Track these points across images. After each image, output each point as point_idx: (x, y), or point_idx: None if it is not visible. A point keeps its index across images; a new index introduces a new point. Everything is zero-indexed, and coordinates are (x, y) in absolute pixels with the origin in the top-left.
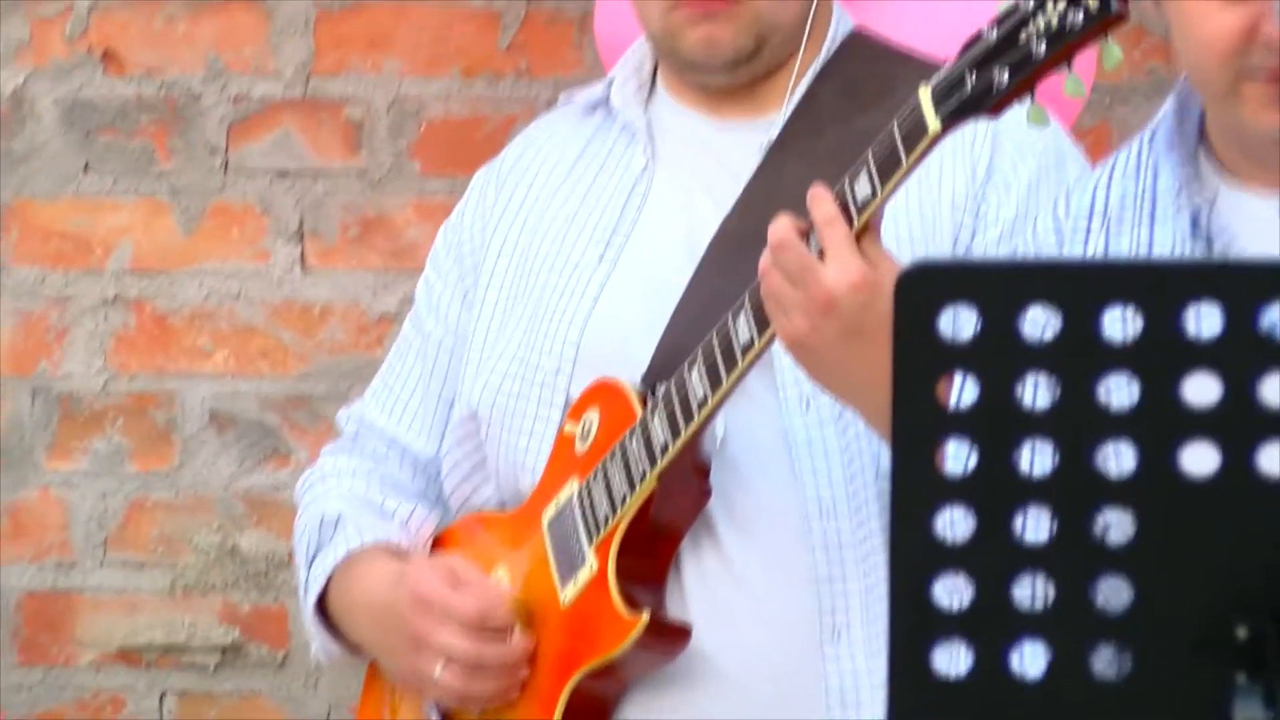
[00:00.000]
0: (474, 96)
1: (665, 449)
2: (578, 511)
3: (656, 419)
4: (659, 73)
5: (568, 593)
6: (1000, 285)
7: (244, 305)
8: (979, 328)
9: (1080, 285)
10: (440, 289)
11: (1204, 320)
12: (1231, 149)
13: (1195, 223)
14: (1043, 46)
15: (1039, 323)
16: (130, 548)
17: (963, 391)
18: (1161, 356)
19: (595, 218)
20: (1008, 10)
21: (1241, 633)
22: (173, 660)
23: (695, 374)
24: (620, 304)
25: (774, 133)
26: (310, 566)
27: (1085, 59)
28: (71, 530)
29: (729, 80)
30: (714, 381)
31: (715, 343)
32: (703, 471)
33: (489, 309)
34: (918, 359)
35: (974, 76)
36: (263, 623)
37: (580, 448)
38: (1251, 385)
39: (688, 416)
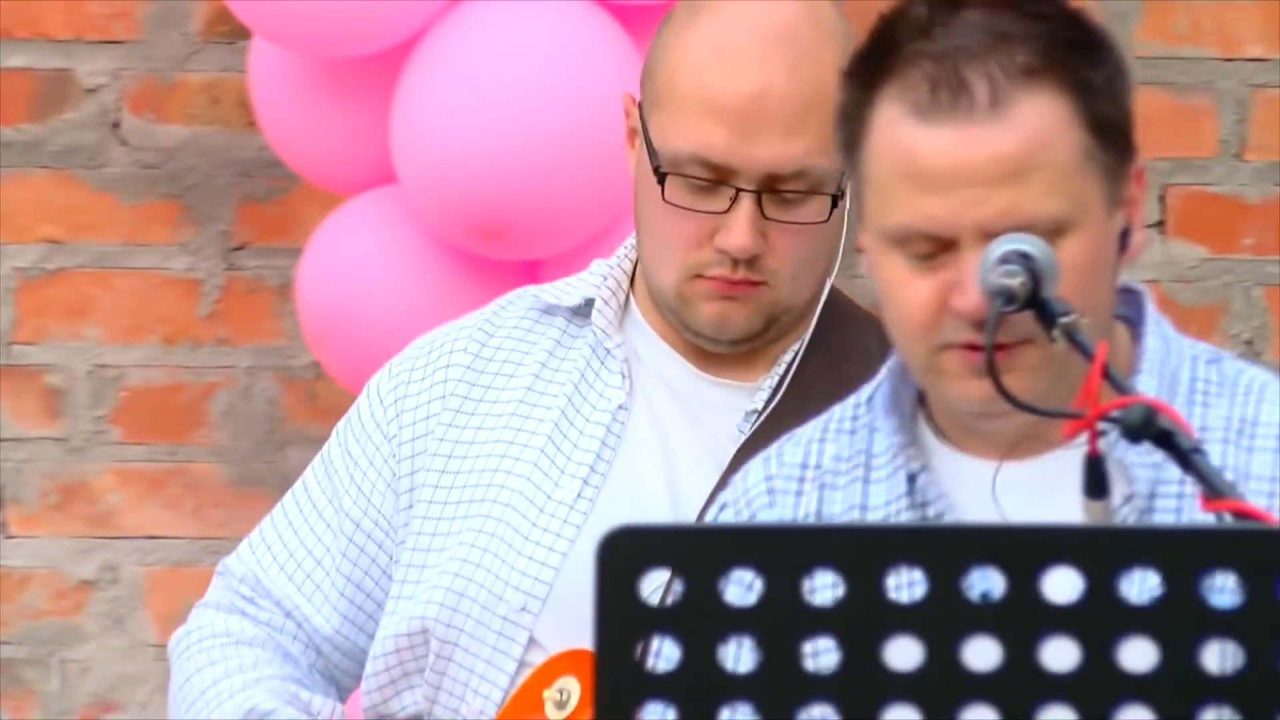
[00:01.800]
0: (174, 364)
1: None
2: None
3: None
4: (636, 300)
5: None
6: (700, 549)
7: None
8: (680, 591)
9: (782, 550)
10: (367, 468)
11: (911, 585)
12: (945, 415)
13: (911, 485)
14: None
15: (745, 585)
16: None
17: (661, 654)
18: (864, 620)
19: (570, 447)
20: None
21: None
22: None
23: None
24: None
25: (759, 400)
26: None
27: None
28: None
29: (728, 350)
30: None
31: None
32: None
33: (440, 515)
34: (619, 620)
35: None
36: None
37: (555, 716)
38: (953, 648)
39: None
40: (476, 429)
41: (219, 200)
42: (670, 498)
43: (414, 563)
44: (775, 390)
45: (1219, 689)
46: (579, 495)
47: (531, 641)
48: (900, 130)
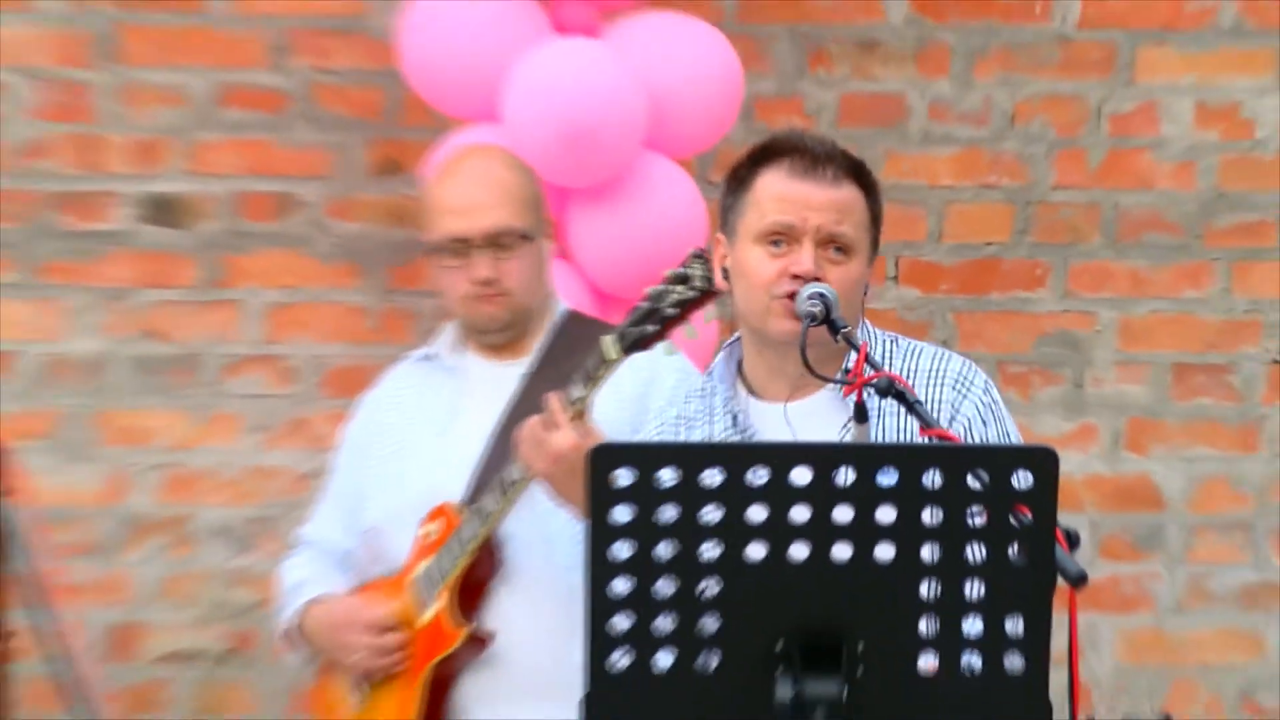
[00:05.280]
0: (356, 355)
1: (473, 538)
2: (428, 574)
3: (469, 521)
4: (463, 337)
5: (424, 618)
6: (644, 456)
7: None
8: (632, 480)
9: (687, 457)
10: (342, 458)
11: (752, 474)
12: (760, 371)
13: (734, 421)
14: (673, 311)
15: (669, 477)
16: None
17: (619, 514)
18: (731, 494)
19: (431, 415)
20: (654, 290)
21: (779, 646)
22: None
23: (489, 497)
24: (449, 465)
25: (524, 369)
26: (285, 614)
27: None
28: None
29: (499, 338)
30: (498, 500)
31: (500, 479)
32: (496, 551)
33: (377, 467)
34: (598, 496)
35: (637, 328)
36: None
37: (428, 541)
38: (744, 512)
39: (485, 520)
40: (391, 420)
41: (380, 265)
42: (482, 433)
43: (369, 495)
44: (533, 363)
45: (931, 534)
46: (436, 437)
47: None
48: (778, 181)
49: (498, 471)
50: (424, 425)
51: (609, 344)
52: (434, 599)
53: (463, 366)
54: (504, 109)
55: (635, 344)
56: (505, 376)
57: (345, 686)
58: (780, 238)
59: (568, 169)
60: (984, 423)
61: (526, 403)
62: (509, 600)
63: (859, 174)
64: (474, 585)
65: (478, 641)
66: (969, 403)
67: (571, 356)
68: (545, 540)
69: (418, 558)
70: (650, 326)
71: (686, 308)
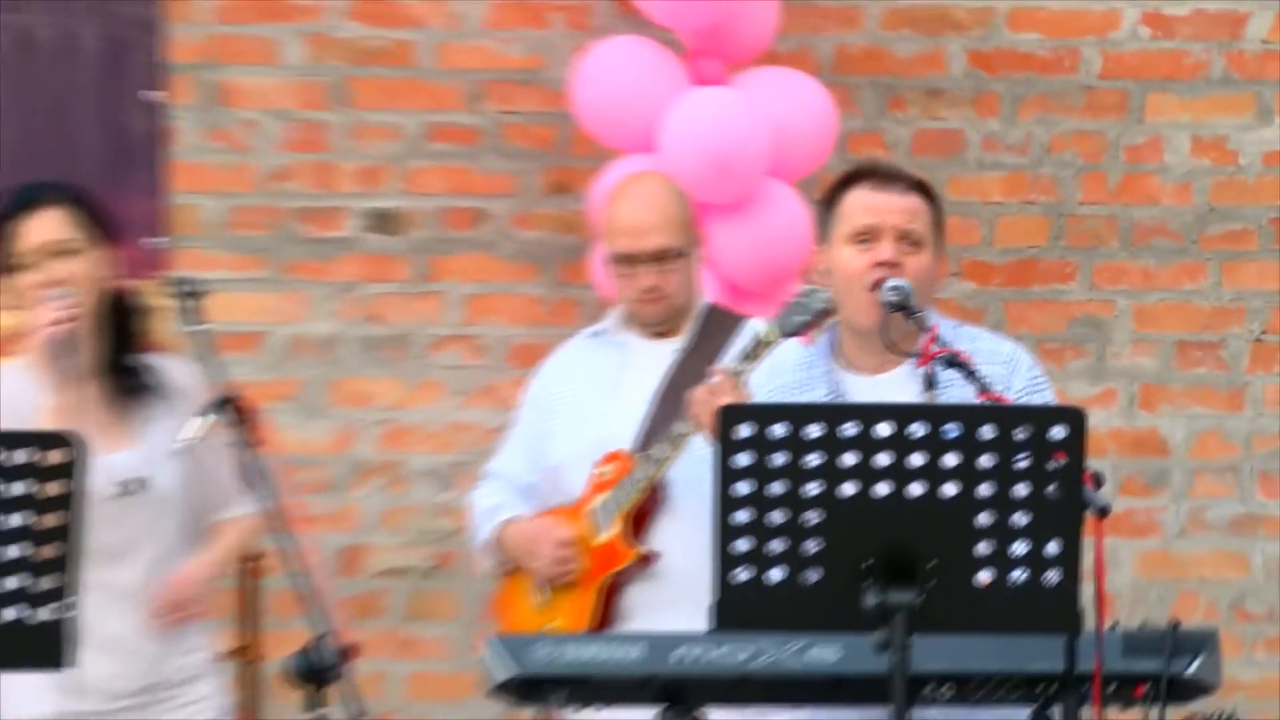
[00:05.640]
0: (533, 336)
1: (645, 478)
2: (605, 505)
3: (641, 465)
4: (626, 321)
5: (600, 540)
6: (761, 414)
7: None
8: (751, 432)
9: (795, 414)
10: (528, 411)
11: (844, 428)
12: (853, 349)
13: (832, 390)
14: (820, 306)
15: (780, 430)
16: None
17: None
18: (828, 444)
19: (601, 379)
20: (804, 290)
21: (866, 564)
22: None
23: (659, 446)
24: (617, 419)
25: (679, 347)
26: (485, 529)
27: None
28: None
29: (658, 328)
30: (667, 449)
31: (669, 432)
32: (661, 489)
33: (558, 419)
34: (725, 445)
35: (792, 318)
36: None
37: (603, 479)
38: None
39: (656, 465)
40: (569, 383)
41: (554, 264)
42: (649, 395)
43: (554, 442)
44: (686, 344)
45: (986, 475)
46: (606, 398)
47: (600, 461)
48: (862, 195)
49: (662, 427)
50: (596, 387)
51: (768, 329)
52: (609, 525)
53: (627, 343)
54: (661, 142)
55: (790, 331)
56: (662, 353)
57: (529, 590)
58: (865, 237)
59: (711, 190)
60: (1029, 392)
61: (680, 374)
62: (669, 528)
63: (923, 189)
64: (641, 515)
65: (645, 560)
66: (1019, 377)
67: (714, 338)
68: (700, 481)
69: (593, 492)
70: (800, 318)
71: (829, 307)
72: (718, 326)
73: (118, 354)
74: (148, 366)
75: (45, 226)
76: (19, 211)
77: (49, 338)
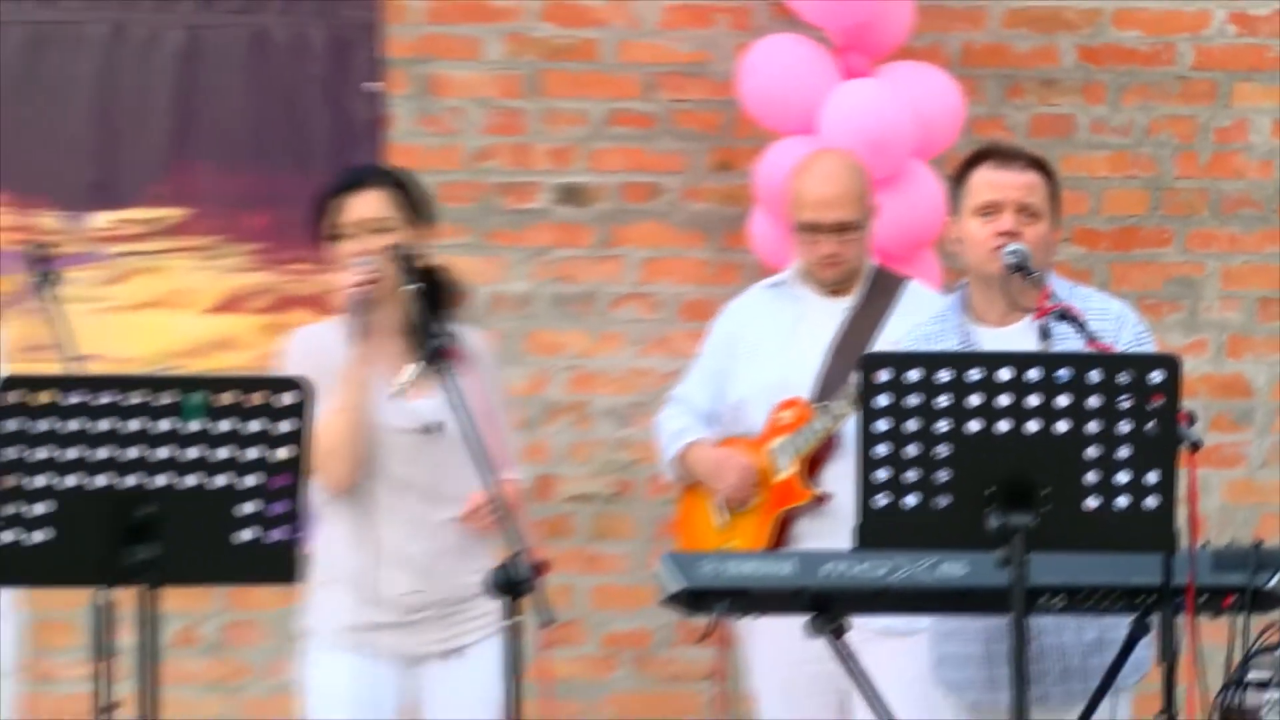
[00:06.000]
0: (701, 294)
1: (824, 428)
2: (783, 447)
3: (820, 416)
4: (804, 277)
5: (779, 477)
6: (898, 360)
7: None
8: (889, 377)
9: (928, 360)
10: (712, 348)
11: (971, 373)
12: (981, 305)
13: (963, 340)
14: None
15: (915, 375)
16: None
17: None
18: (956, 387)
19: (780, 326)
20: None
21: (989, 491)
22: None
23: (837, 402)
24: (795, 365)
25: (850, 305)
26: (672, 448)
27: None
28: None
29: (834, 287)
30: (845, 406)
31: (847, 389)
32: (834, 438)
33: (740, 358)
34: (867, 387)
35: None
36: None
37: (782, 423)
38: (966, 399)
39: (834, 418)
40: (752, 327)
41: (718, 232)
42: (823, 345)
43: (736, 379)
44: (857, 301)
45: (1094, 413)
46: (783, 346)
47: (779, 405)
48: (986, 173)
49: (835, 378)
50: (775, 334)
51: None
52: (788, 466)
53: (804, 297)
54: (821, 126)
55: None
56: (835, 309)
57: (711, 512)
58: (989, 210)
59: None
60: (1135, 344)
61: (851, 330)
62: (840, 472)
63: (1040, 165)
64: (816, 460)
65: (819, 501)
66: (1126, 331)
67: (881, 297)
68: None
69: (772, 433)
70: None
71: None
72: (883, 287)
73: (425, 318)
74: (450, 331)
75: (367, 204)
76: (346, 189)
77: (350, 297)
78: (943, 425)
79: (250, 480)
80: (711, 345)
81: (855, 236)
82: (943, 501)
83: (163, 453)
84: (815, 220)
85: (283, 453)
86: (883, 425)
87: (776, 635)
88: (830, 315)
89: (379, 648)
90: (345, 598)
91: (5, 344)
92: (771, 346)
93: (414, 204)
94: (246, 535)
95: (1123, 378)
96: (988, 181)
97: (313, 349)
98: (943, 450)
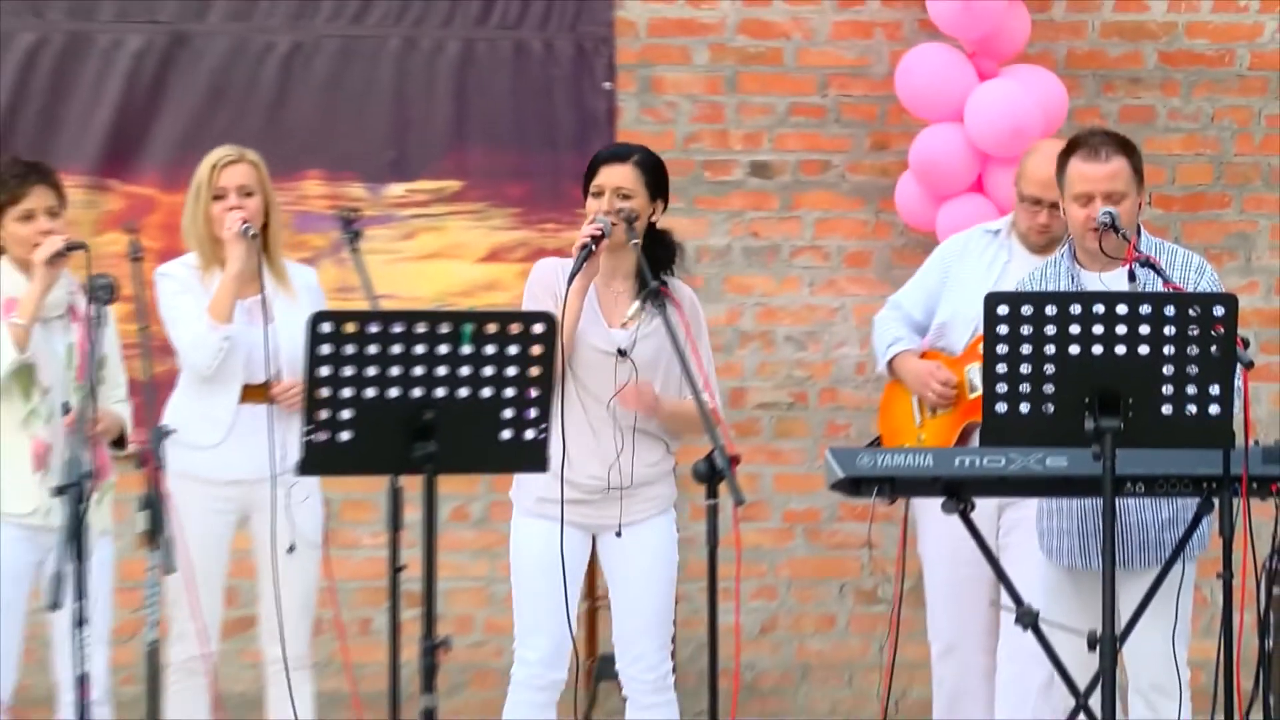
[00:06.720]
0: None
1: None
2: (979, 371)
3: None
4: (1014, 233)
5: (971, 396)
6: (1015, 299)
7: None
8: (1008, 310)
9: (1040, 298)
10: (930, 270)
11: (1073, 307)
12: (1083, 258)
13: (1071, 280)
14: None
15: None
16: None
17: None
18: (1061, 318)
19: (990, 267)
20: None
21: (1086, 399)
22: None
23: None
24: None
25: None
26: (886, 353)
27: None
28: None
29: (1040, 248)
30: None
31: None
32: None
33: (949, 288)
34: (990, 316)
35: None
36: None
37: (980, 349)
38: (1069, 327)
39: None
40: (969, 264)
41: (875, 198)
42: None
43: (946, 301)
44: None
45: (1168, 339)
46: (989, 288)
47: (976, 334)
48: (1078, 166)
49: None
50: (983, 270)
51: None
52: (979, 387)
53: (1012, 247)
54: (967, 116)
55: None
56: (1035, 264)
57: (910, 406)
58: (1084, 199)
59: (1005, 149)
60: (1209, 288)
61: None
62: None
63: (1125, 147)
64: None
65: None
66: (1204, 281)
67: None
68: None
69: (970, 357)
70: None
71: None
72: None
73: (645, 268)
74: (662, 281)
75: (618, 174)
76: (609, 160)
77: (579, 245)
78: (1049, 348)
79: (509, 392)
80: (930, 264)
81: (1060, 213)
82: (1049, 408)
83: (441, 371)
84: (1036, 195)
85: (534, 370)
86: (1002, 349)
87: (943, 514)
88: (1029, 268)
89: (568, 517)
90: (548, 478)
91: (323, 286)
92: (978, 282)
93: (656, 182)
94: (506, 435)
95: (1192, 311)
96: (1080, 174)
97: (545, 276)
98: (1050, 368)
